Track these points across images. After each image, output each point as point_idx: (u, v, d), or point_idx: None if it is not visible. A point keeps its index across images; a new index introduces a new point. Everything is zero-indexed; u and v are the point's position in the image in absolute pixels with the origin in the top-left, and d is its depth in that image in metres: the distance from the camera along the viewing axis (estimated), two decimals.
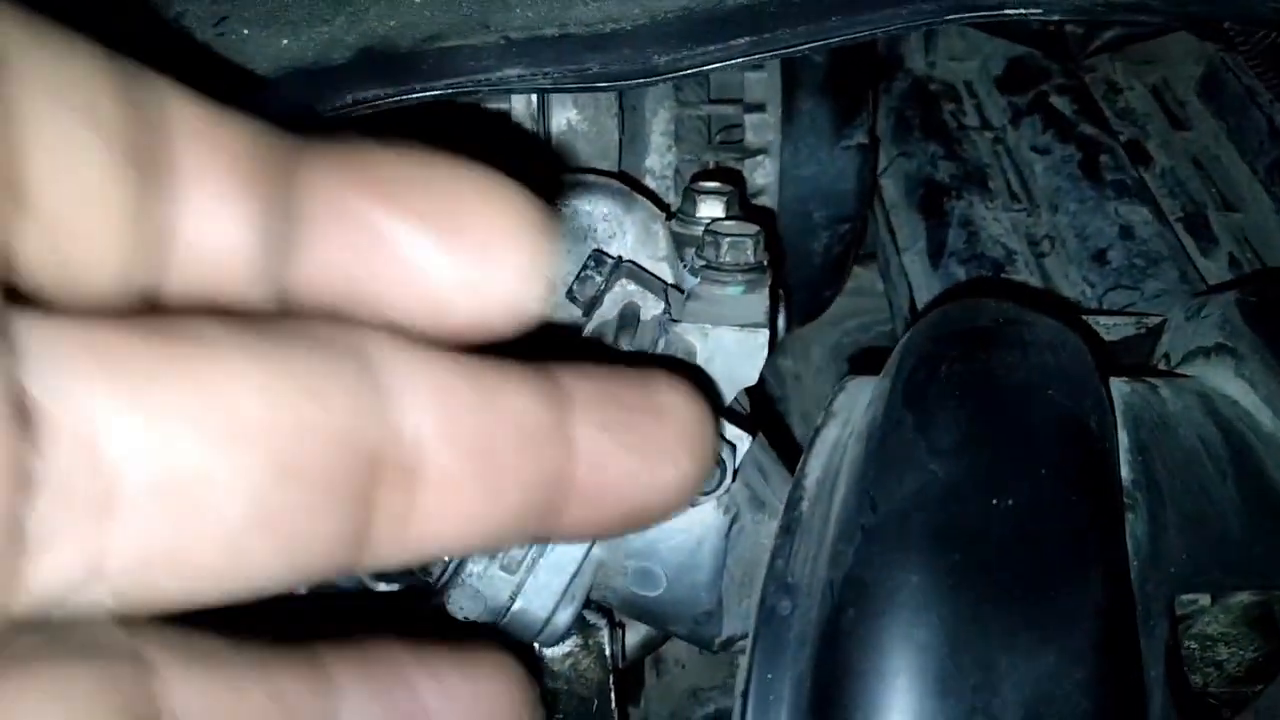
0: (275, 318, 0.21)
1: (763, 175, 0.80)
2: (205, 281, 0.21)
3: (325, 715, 0.23)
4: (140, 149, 0.20)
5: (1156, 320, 0.73)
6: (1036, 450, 0.42)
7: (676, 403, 0.25)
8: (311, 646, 0.23)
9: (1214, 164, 0.98)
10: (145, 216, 0.20)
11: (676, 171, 0.78)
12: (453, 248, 0.22)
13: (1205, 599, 0.45)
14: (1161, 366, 0.66)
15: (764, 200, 0.80)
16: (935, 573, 0.38)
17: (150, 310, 0.21)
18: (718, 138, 0.80)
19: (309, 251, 0.22)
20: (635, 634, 0.60)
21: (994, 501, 0.40)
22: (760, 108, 0.79)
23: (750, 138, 0.79)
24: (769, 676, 0.40)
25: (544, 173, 0.64)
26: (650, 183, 0.77)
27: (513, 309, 0.23)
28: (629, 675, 0.65)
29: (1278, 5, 0.49)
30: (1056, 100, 1.01)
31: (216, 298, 0.22)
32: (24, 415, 0.17)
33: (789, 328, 0.64)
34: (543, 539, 0.25)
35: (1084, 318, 0.74)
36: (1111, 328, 0.74)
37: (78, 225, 0.19)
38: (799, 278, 0.84)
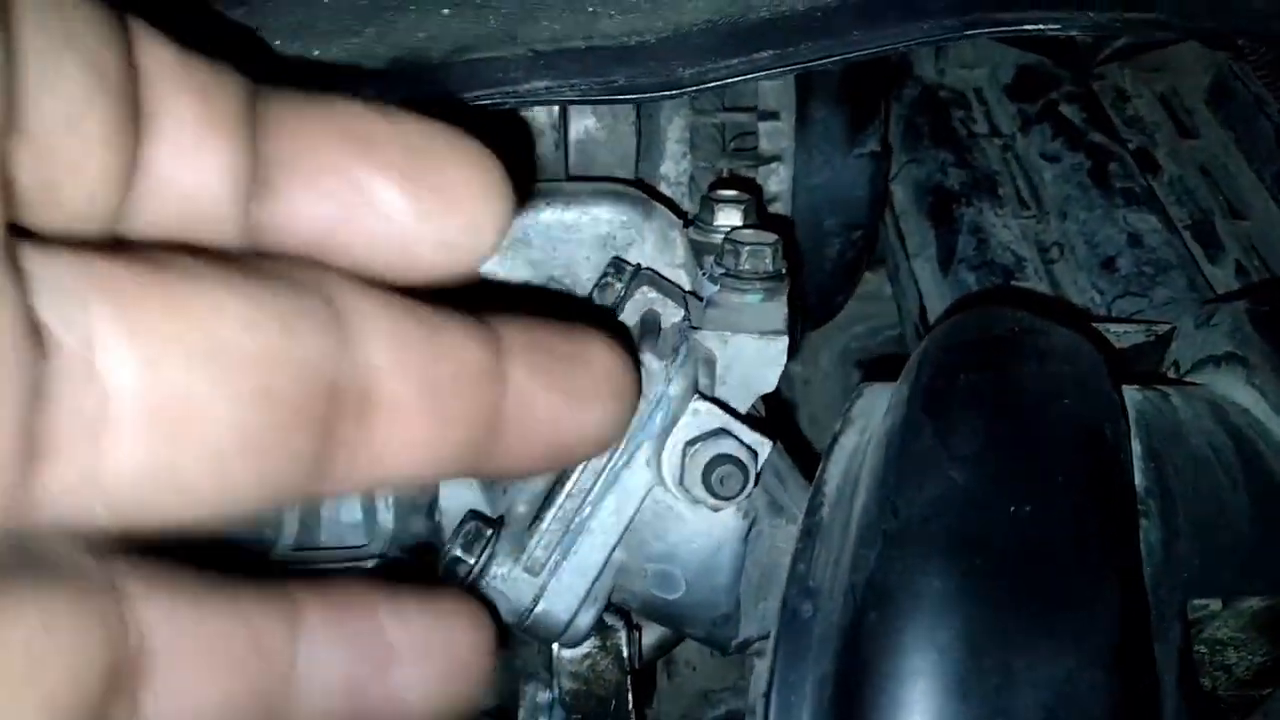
0: (247, 256, 0.23)
1: (776, 182, 0.81)
2: (179, 218, 0.23)
3: (289, 642, 0.24)
4: (123, 88, 0.21)
5: (1166, 328, 0.74)
6: (1054, 458, 0.43)
7: (600, 351, 0.28)
8: (282, 583, 0.25)
9: (1221, 172, 0.99)
10: (125, 149, 0.21)
11: (691, 178, 0.79)
12: (419, 200, 0.24)
13: (1216, 603, 0.46)
14: (1171, 374, 0.67)
15: (777, 207, 0.81)
16: (956, 577, 0.39)
17: (126, 244, 0.22)
18: (732, 145, 0.81)
19: (283, 196, 0.24)
20: (650, 636, 0.61)
21: (1013, 508, 0.41)
22: (774, 115, 0.80)
23: (764, 145, 0.80)
24: (791, 678, 0.41)
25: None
26: (665, 189, 0.77)
27: (469, 257, 0.25)
28: (642, 677, 0.66)
29: None
30: (1066, 108, 1.01)
31: (189, 234, 0.23)
32: (37, 336, 0.19)
33: (802, 334, 0.65)
34: (478, 473, 0.27)
35: (1095, 325, 0.75)
36: (1122, 335, 0.75)
37: (65, 151, 0.20)
38: (811, 283, 0.85)
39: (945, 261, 0.92)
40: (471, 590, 0.49)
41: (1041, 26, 0.48)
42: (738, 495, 0.47)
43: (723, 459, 0.47)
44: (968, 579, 0.39)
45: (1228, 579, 0.46)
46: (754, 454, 0.48)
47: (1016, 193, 0.96)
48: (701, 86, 0.50)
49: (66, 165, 0.21)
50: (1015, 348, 0.49)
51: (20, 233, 0.20)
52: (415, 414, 0.24)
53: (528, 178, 0.59)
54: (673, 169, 0.78)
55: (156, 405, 0.20)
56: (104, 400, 0.20)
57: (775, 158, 0.80)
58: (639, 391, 0.29)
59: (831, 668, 0.40)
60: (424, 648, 0.26)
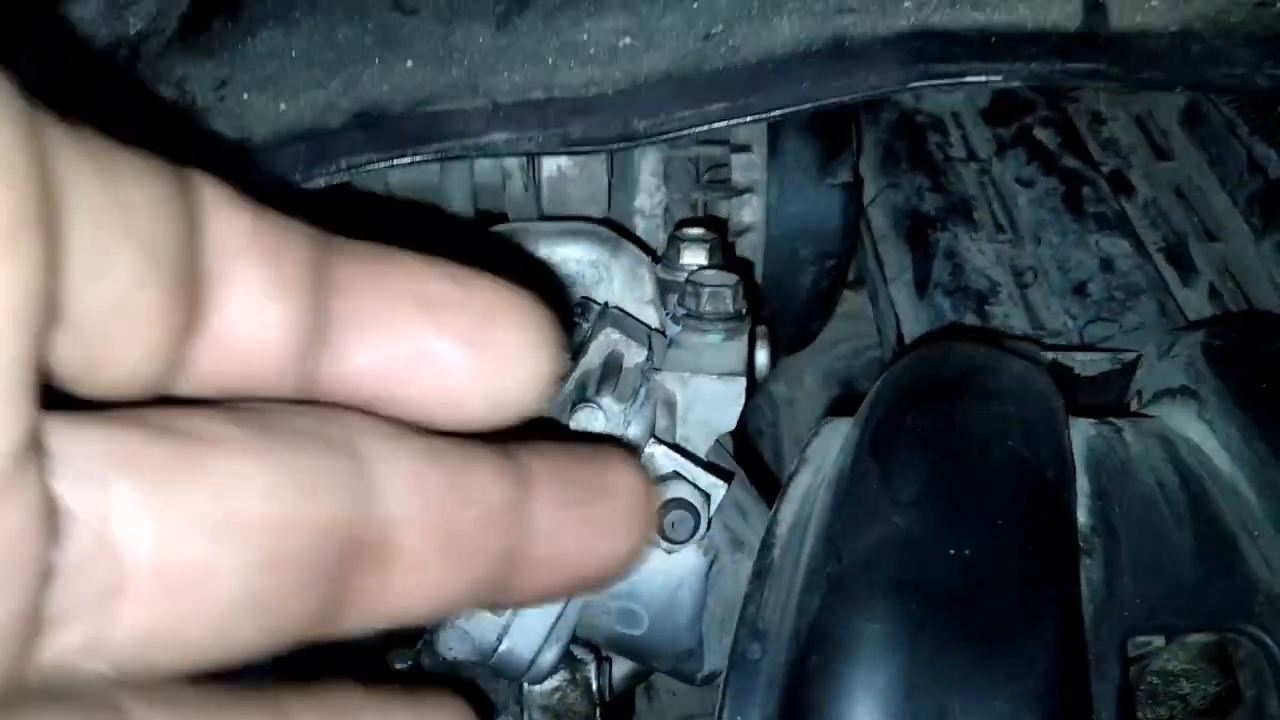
0: (276, 410, 0.24)
1: (750, 213, 0.82)
2: (238, 373, 0.24)
3: None
4: (180, 265, 0.22)
5: (1132, 356, 0.75)
6: (994, 501, 0.44)
7: (626, 481, 0.28)
8: (274, 691, 0.25)
9: (1196, 194, 1.00)
10: (176, 326, 0.22)
11: (666, 210, 0.80)
12: (477, 358, 0.25)
13: (1159, 640, 0.48)
14: (1134, 404, 0.68)
15: (752, 237, 0.83)
16: (895, 620, 0.41)
17: (172, 401, 0.23)
18: (706, 177, 0.83)
19: (346, 353, 0.24)
20: (623, 667, 0.62)
21: (952, 552, 0.42)
22: (746, 148, 0.81)
23: (737, 177, 0.81)
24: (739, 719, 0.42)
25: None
26: (640, 222, 0.79)
27: (520, 409, 0.26)
28: (621, 703, 0.67)
29: (1229, 73, 0.51)
30: (1040, 132, 1.03)
31: (247, 387, 0.24)
32: (52, 515, 0.20)
33: (774, 362, 0.66)
34: (498, 604, 0.27)
35: (1061, 353, 0.77)
36: (1088, 364, 0.76)
37: (110, 334, 0.21)
38: (787, 311, 0.86)
39: (921, 286, 0.93)
40: (438, 630, 0.50)
41: (984, 78, 0.50)
42: (689, 539, 0.48)
43: (674, 503, 0.48)
44: (906, 622, 0.40)
45: (1169, 617, 0.47)
46: (706, 497, 0.49)
47: (992, 217, 0.97)
48: (656, 138, 0.51)
49: (111, 346, 0.21)
50: (964, 389, 0.50)
51: (53, 398, 0.20)
52: (434, 563, 0.24)
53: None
54: (647, 202, 0.80)
55: (169, 575, 0.21)
56: (115, 571, 0.20)
57: (748, 189, 0.82)
58: (655, 511, 0.30)
59: (776, 710, 0.41)
60: None
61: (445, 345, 0.25)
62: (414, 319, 0.25)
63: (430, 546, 0.24)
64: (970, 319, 0.87)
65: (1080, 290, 0.89)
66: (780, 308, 0.86)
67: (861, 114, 1.03)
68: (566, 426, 0.51)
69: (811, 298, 0.87)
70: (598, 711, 0.57)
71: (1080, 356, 0.75)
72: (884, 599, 0.41)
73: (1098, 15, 0.56)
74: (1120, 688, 0.44)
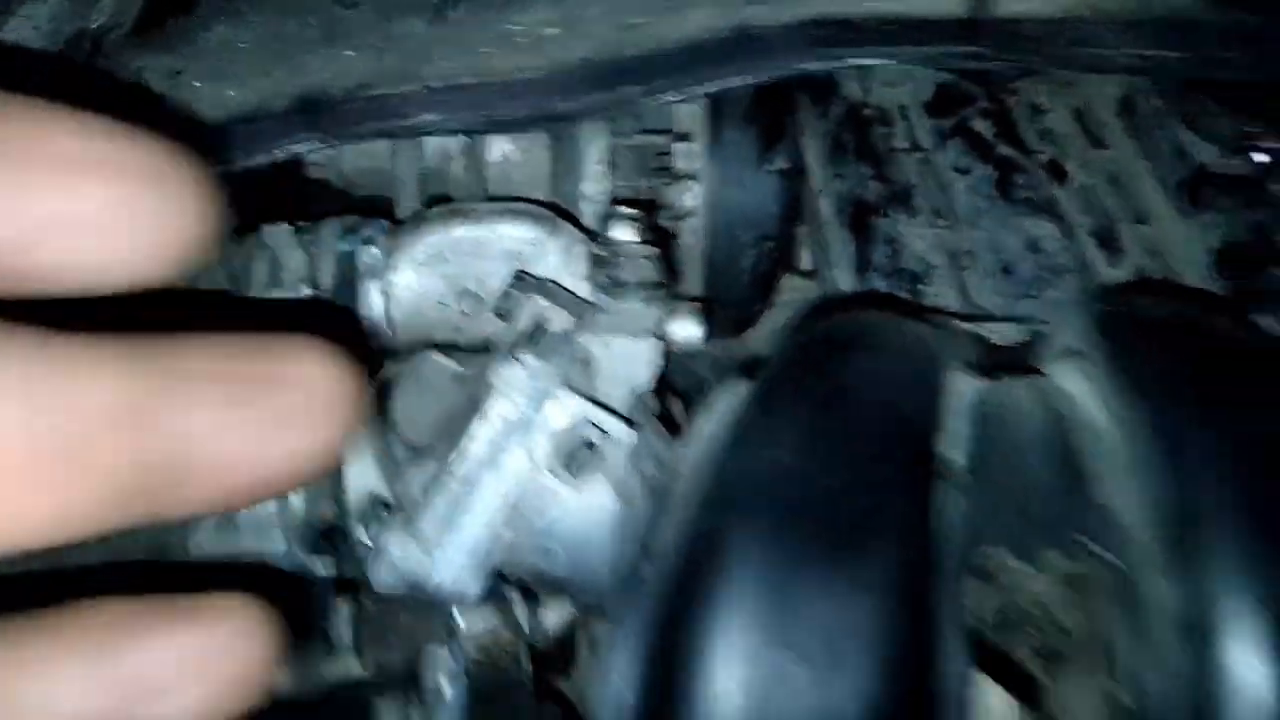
0: None
1: (691, 199, 0.87)
2: None
3: (41, 698, 0.22)
4: None
5: (1044, 326, 0.80)
6: (860, 441, 0.49)
7: (306, 370, 0.25)
8: (19, 623, 0.23)
9: (1129, 180, 1.05)
10: None
11: (612, 197, 0.85)
12: (125, 219, 0.22)
13: (1006, 555, 0.53)
14: (1038, 367, 0.73)
15: (694, 222, 0.88)
16: (760, 535, 0.46)
17: None
18: (651, 165, 0.88)
19: None
20: (558, 612, 0.67)
21: (818, 482, 0.47)
22: (687, 137, 0.86)
23: (679, 165, 0.86)
24: (626, 629, 0.47)
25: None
26: (587, 208, 0.84)
27: (175, 271, 0.23)
28: (556, 651, 0.72)
29: (1094, 54, 0.56)
30: (979, 123, 1.07)
31: None
32: None
33: (709, 338, 0.71)
34: (159, 517, 0.23)
35: (979, 324, 0.82)
36: (1003, 333, 0.81)
37: None
38: (729, 294, 0.91)
39: (861, 270, 0.98)
40: (372, 562, 0.55)
41: (875, 60, 0.55)
42: (589, 474, 0.54)
43: (580, 441, 0.53)
44: (770, 536, 0.46)
45: (1027, 540, 0.52)
46: (604, 434, 0.54)
47: (932, 204, 1.03)
48: (574, 117, 0.56)
49: None
50: (849, 347, 0.55)
51: None
52: (48, 477, 0.21)
53: None
54: (593, 188, 0.85)
55: None
56: None
57: (690, 176, 0.87)
58: (358, 403, 0.26)
59: (653, 614, 0.46)
60: (191, 669, 0.24)
61: (88, 206, 0.22)
62: (54, 178, 0.22)
63: (40, 458, 0.21)
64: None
65: (1009, 270, 0.94)
66: (723, 290, 0.91)
67: (808, 107, 1.08)
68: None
69: (753, 280, 0.92)
70: (523, 645, 0.62)
71: (995, 327, 0.80)
72: (755, 516, 0.46)
73: (984, 3, 0.61)
74: (972, 605, 0.49)
